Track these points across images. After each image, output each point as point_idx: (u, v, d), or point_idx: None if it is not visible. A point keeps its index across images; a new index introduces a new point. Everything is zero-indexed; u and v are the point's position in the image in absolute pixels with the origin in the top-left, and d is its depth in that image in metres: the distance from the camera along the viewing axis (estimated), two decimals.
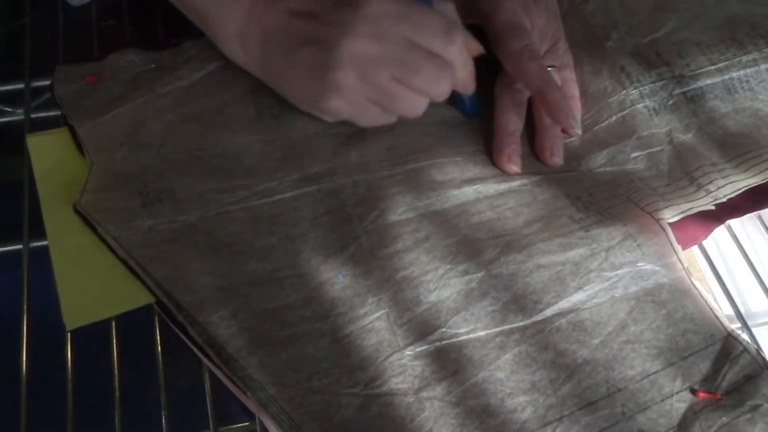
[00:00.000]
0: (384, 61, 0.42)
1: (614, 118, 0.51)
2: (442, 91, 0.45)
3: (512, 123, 0.49)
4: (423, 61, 0.43)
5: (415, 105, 0.45)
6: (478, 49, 0.47)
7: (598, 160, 0.50)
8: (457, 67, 0.45)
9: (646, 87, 0.51)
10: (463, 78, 0.46)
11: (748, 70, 0.52)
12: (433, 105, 0.47)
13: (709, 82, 0.52)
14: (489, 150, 0.50)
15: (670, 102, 0.51)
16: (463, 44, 0.45)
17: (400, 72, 0.43)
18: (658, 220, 0.46)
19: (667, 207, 0.46)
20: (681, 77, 0.52)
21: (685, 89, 0.52)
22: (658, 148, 0.50)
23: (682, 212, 0.46)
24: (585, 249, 0.45)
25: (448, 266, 0.44)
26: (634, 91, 0.51)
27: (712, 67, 0.52)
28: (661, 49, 0.53)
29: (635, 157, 0.50)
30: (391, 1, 0.42)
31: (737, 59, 0.52)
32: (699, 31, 0.54)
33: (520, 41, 0.47)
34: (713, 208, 0.46)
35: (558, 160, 0.49)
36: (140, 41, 0.55)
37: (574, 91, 0.51)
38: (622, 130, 0.50)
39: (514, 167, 0.48)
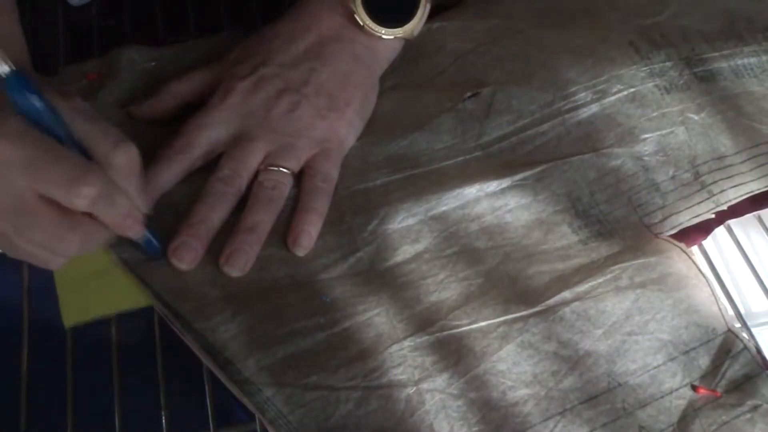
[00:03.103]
0: (1, 211, 0.37)
1: (625, 93, 0.50)
2: (70, 248, 0.38)
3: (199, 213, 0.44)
4: (42, 215, 0.36)
5: (41, 260, 0.39)
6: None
7: (607, 141, 0.49)
8: (99, 215, 0.37)
9: (656, 66, 0.51)
10: (114, 222, 0.38)
11: (752, 59, 0.52)
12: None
13: (716, 66, 0.52)
14: (490, 151, 0.49)
15: (681, 82, 0.51)
16: (103, 186, 0.36)
17: (17, 225, 0.37)
18: (656, 235, 0.46)
19: (667, 218, 0.46)
20: (689, 59, 0.52)
21: (695, 70, 0.51)
22: (668, 130, 0.49)
23: (681, 224, 0.46)
24: (584, 258, 0.45)
25: (448, 272, 0.44)
26: (645, 68, 0.51)
27: (717, 54, 0.52)
28: (665, 31, 0.53)
29: (644, 139, 0.49)
30: (13, 147, 0.35)
31: (739, 49, 0.52)
32: (699, 19, 0.54)
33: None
34: (713, 216, 0.46)
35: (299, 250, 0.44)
36: (140, 41, 0.55)
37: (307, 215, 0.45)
38: (631, 109, 0.50)
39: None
